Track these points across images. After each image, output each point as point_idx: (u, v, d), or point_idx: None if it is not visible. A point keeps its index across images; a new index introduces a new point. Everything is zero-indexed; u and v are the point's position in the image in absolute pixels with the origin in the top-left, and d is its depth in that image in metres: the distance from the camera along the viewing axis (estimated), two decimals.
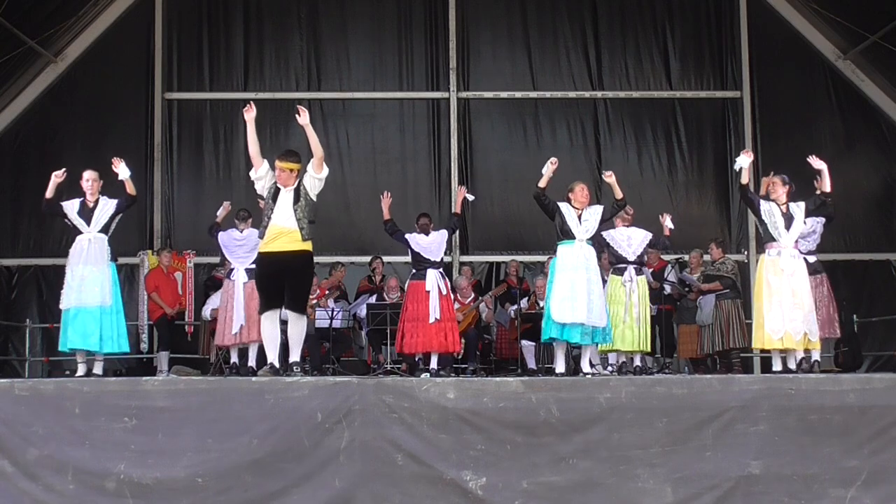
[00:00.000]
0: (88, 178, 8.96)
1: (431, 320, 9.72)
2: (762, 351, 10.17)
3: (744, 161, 8.84)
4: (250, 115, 8.18)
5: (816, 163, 8.92)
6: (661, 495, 7.15)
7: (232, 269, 10.08)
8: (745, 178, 8.84)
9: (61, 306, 8.75)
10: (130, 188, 8.97)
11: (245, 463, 7.15)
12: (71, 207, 8.90)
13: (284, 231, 8.03)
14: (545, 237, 13.80)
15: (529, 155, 14.57)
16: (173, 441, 7.19)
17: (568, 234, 8.79)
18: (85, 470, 7.14)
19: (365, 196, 14.01)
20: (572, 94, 14.75)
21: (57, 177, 8.86)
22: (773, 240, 8.69)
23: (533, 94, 14.73)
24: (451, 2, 14.72)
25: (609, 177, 9.12)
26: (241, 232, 10.23)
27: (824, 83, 14.72)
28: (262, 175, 8.25)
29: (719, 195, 14.73)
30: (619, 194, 9.07)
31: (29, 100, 14.42)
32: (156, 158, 14.51)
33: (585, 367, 8.77)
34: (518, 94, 14.74)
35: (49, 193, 8.89)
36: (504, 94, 14.75)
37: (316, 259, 13.74)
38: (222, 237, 10.23)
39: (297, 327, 8.18)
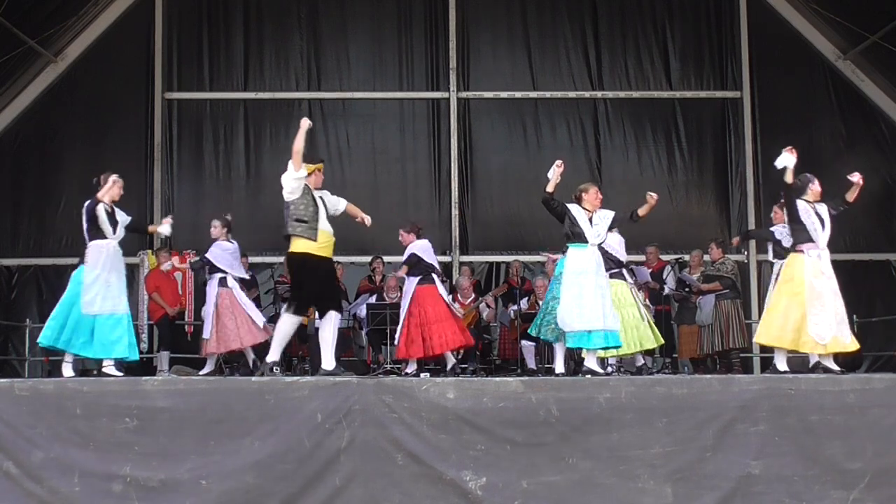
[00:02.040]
0: (121, 187, 8.89)
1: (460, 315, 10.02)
2: (762, 350, 10.18)
3: (788, 160, 8.54)
4: (306, 124, 8.23)
5: (856, 178, 8.79)
6: (661, 495, 7.15)
7: (224, 277, 10.08)
8: (790, 178, 8.57)
9: (87, 311, 8.61)
10: (152, 230, 9.50)
11: (247, 464, 7.16)
12: (101, 211, 8.74)
13: (330, 237, 8.28)
14: (545, 237, 13.83)
15: (529, 155, 14.60)
16: (176, 442, 7.20)
17: (580, 237, 8.55)
18: (91, 472, 7.15)
19: (365, 196, 13.98)
20: (572, 94, 14.75)
21: (115, 182, 8.78)
22: (811, 241, 8.55)
23: (533, 94, 14.73)
24: (451, 2, 14.73)
25: (652, 198, 8.96)
26: (230, 242, 10.29)
27: (824, 83, 14.72)
28: (303, 175, 8.18)
29: (719, 195, 14.73)
30: (642, 212, 8.99)
31: (29, 100, 14.44)
32: (156, 158, 14.52)
33: (595, 367, 8.62)
34: (518, 94, 14.75)
35: (102, 194, 8.77)
36: (504, 94, 14.76)
37: None
38: (214, 253, 10.19)
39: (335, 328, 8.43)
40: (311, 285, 8.26)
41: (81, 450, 7.18)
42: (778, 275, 9.60)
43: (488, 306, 11.99)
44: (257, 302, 12.05)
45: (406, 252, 10.24)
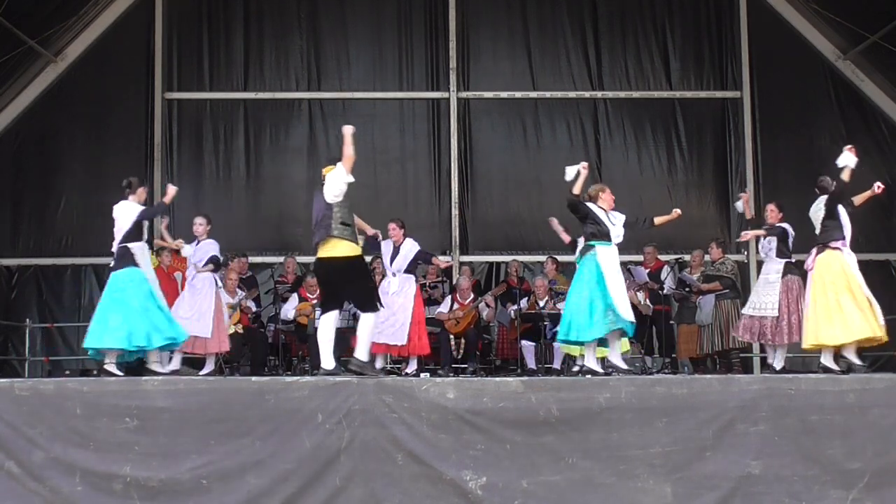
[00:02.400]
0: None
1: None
2: (761, 350, 10.17)
3: (850, 160, 8.67)
4: (350, 129, 8.29)
5: (878, 188, 9.10)
6: (661, 495, 7.16)
7: (215, 277, 10.11)
8: (847, 176, 8.69)
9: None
10: (166, 245, 10.11)
11: (247, 464, 7.18)
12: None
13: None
14: (545, 237, 13.80)
15: (529, 155, 14.60)
16: (176, 442, 7.22)
17: (606, 236, 8.65)
18: (92, 472, 7.18)
19: (365, 196, 13.96)
20: (572, 94, 14.74)
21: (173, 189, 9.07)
22: (843, 238, 8.76)
23: (533, 94, 14.72)
24: (451, 2, 14.71)
25: (676, 213, 9.25)
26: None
27: (824, 83, 14.71)
28: (352, 180, 8.21)
29: (719, 195, 14.71)
30: (658, 221, 9.22)
31: (29, 100, 14.42)
32: (156, 158, 14.51)
33: (596, 367, 8.66)
34: (518, 94, 14.74)
35: (169, 200, 9.03)
36: (504, 94, 14.75)
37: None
38: (217, 250, 10.22)
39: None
40: (371, 282, 8.38)
41: (82, 450, 7.21)
42: (783, 273, 9.65)
43: (488, 306, 11.99)
44: (257, 302, 12.06)
45: (412, 249, 10.32)
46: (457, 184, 14.54)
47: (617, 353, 8.78)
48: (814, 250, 8.90)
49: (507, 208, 14.58)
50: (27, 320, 13.74)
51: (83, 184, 14.33)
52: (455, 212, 14.51)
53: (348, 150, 8.18)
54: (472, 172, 14.72)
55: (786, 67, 14.69)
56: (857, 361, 8.60)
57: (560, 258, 12.07)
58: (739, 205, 10.39)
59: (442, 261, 11.27)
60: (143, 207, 8.87)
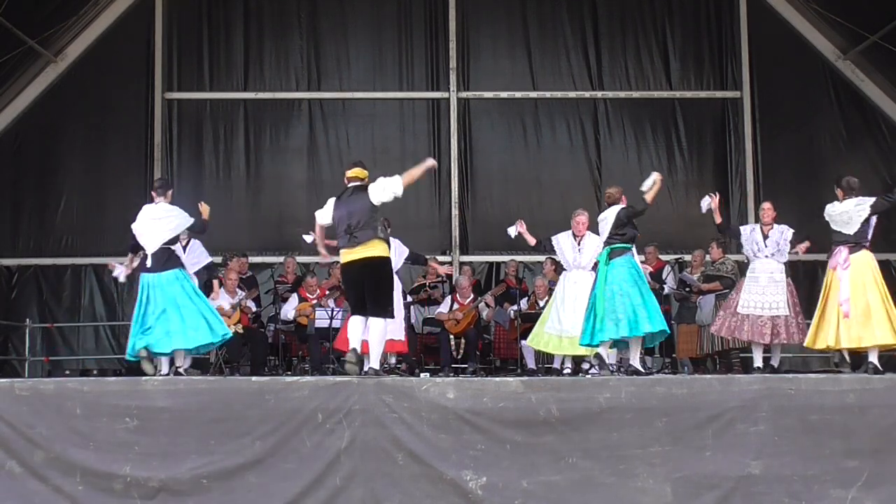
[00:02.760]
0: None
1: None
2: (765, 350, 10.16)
3: None
4: (432, 164, 8.32)
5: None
6: (661, 495, 7.16)
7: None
8: None
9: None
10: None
11: (247, 464, 7.18)
12: None
13: None
14: (544, 238, 13.82)
15: (529, 155, 14.59)
16: (176, 442, 7.22)
17: (634, 239, 8.96)
18: (92, 471, 7.18)
19: None
20: (572, 94, 14.74)
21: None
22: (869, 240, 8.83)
23: (533, 94, 14.73)
24: (451, 2, 14.72)
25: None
26: None
27: (824, 83, 14.71)
28: (399, 196, 8.26)
29: (719, 195, 14.69)
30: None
31: (29, 100, 14.42)
32: (156, 158, 14.52)
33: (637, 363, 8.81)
34: (518, 94, 14.74)
35: (207, 217, 9.13)
36: (504, 94, 14.75)
37: (317, 260, 13.74)
38: (203, 250, 10.25)
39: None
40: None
41: (82, 450, 7.21)
42: (786, 275, 9.70)
43: (488, 305, 11.99)
44: (257, 302, 12.06)
45: (402, 252, 10.31)
46: (457, 184, 14.55)
47: (636, 356, 8.84)
48: (844, 249, 8.75)
49: (507, 208, 14.55)
50: (27, 320, 13.75)
51: (83, 184, 14.34)
52: (455, 212, 14.52)
53: (418, 173, 8.23)
54: (472, 172, 14.72)
55: (786, 67, 14.70)
56: (878, 364, 8.57)
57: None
58: (704, 204, 10.31)
59: (440, 266, 11.31)
60: (192, 218, 8.89)
